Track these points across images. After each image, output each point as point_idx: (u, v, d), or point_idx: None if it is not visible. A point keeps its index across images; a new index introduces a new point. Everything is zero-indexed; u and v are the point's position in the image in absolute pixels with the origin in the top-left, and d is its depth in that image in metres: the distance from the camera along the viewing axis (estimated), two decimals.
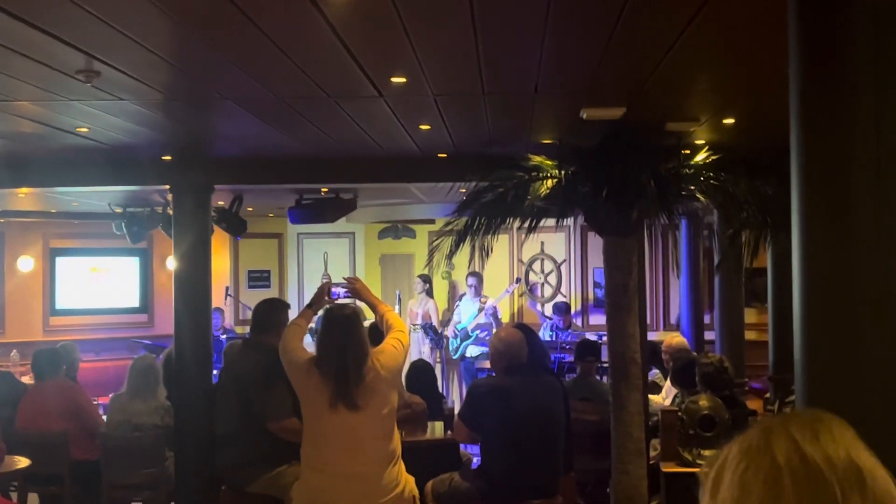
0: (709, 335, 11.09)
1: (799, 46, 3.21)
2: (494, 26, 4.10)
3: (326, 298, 5.73)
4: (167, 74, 4.93)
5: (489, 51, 4.51)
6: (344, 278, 6.00)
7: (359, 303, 6.07)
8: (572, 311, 13.24)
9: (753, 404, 8.23)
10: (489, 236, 6.91)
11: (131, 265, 14.13)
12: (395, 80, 5.05)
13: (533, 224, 6.99)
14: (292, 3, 3.65)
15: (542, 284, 13.87)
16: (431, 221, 13.71)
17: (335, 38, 4.16)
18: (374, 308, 5.66)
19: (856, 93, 3.03)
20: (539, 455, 5.85)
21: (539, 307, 13.71)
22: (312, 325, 6.38)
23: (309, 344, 5.62)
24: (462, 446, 7.16)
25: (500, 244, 12.90)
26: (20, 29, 3.97)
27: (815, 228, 3.07)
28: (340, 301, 6.01)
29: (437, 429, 7.21)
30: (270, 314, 6.45)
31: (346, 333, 5.08)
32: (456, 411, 8.15)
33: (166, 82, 5.14)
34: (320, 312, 5.58)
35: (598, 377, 8.49)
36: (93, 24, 3.90)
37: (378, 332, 5.62)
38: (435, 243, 7.17)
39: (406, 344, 5.39)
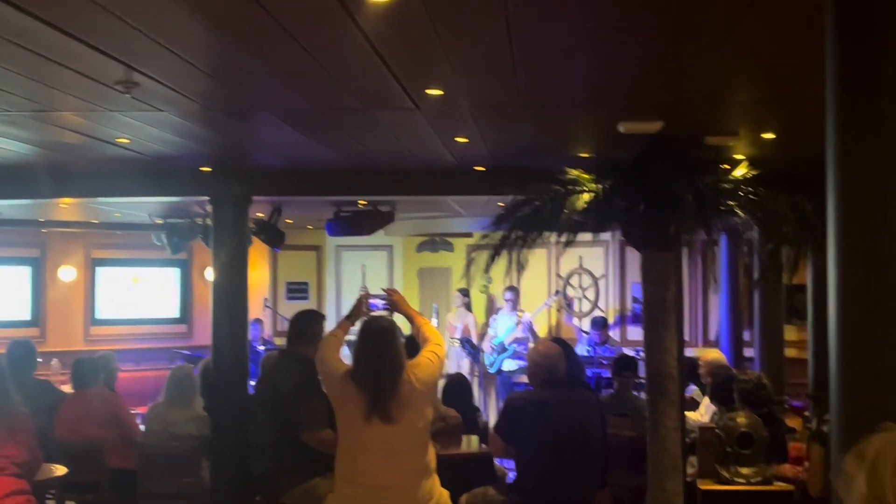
0: (748, 352, 10.98)
1: (836, 62, 3.17)
2: (530, 38, 4.10)
3: (364, 310, 5.73)
4: (205, 85, 4.96)
5: (525, 63, 4.50)
6: (383, 290, 5.98)
7: (396, 316, 6.05)
8: (610, 325, 13.16)
9: (793, 422, 8.12)
10: (525, 250, 6.88)
11: (172, 276, 14.25)
12: (431, 92, 5.06)
13: (570, 238, 6.97)
14: (328, 14, 3.65)
15: (580, 299, 13.79)
16: (469, 235, 13.69)
17: (371, 49, 4.17)
18: (411, 320, 5.64)
19: (892, 108, 2.99)
20: (575, 469, 5.82)
21: (576, 322, 13.64)
22: (350, 336, 6.38)
23: (347, 356, 5.62)
24: (497, 460, 7.13)
25: (538, 258, 12.88)
26: (60, 39, 4.01)
27: (850, 243, 3.02)
28: (378, 313, 6.00)
29: (471, 442, 7.18)
30: (307, 325, 6.46)
31: (383, 345, 5.07)
32: (491, 425, 8.13)
33: (204, 93, 5.17)
34: (358, 324, 5.58)
35: (635, 392, 8.43)
36: (131, 35, 3.94)
37: (415, 345, 5.60)
38: (471, 255, 7.16)
39: (442, 357, 5.36)
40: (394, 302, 5.75)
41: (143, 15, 3.75)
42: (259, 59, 4.45)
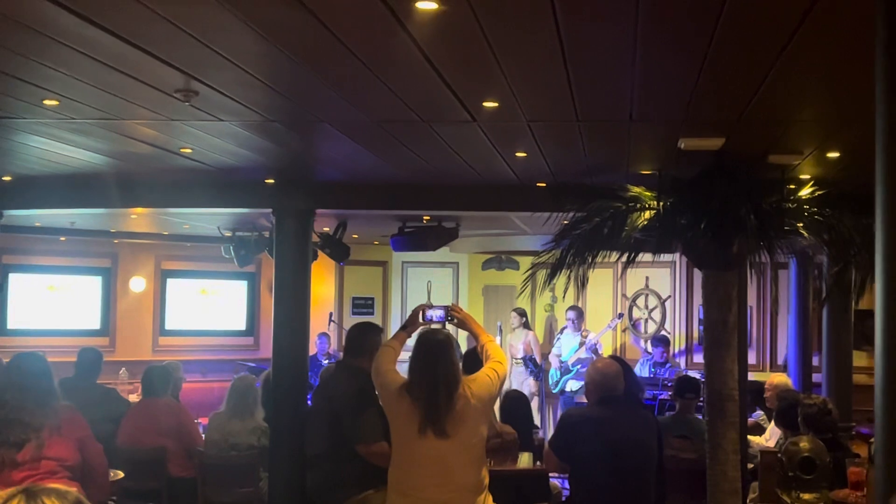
0: (817, 377, 10.79)
1: (885, 73, 3.10)
2: (582, 50, 4.07)
3: (420, 320, 5.71)
4: (263, 95, 5.01)
5: (579, 75, 4.47)
6: (450, 305, 5.94)
7: (459, 331, 6.01)
8: (676, 348, 13.01)
9: (859, 449, 7.95)
10: (584, 268, 6.84)
11: (240, 288, 14.42)
12: (487, 104, 5.05)
13: (632, 257, 6.91)
14: (379, 22, 3.67)
15: (646, 320, 13.67)
16: (536, 253, 13.63)
17: (424, 60, 4.18)
18: (476, 337, 5.60)
19: None
20: (630, 489, 5.74)
21: (642, 343, 13.52)
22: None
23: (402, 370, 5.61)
24: (552, 478, 7.07)
25: (605, 278, 12.81)
26: (121, 48, 4.07)
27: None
28: (434, 325, 5.98)
29: (526, 459, 7.13)
30: (363, 337, 6.47)
31: (439, 358, 5.04)
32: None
33: (263, 103, 5.22)
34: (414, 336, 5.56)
35: (697, 415, 8.31)
36: (188, 43, 3.99)
37: (473, 360, 5.58)
38: (527, 273, 7.13)
39: (502, 375, 5.30)
40: (461, 319, 5.70)
41: (198, 23, 3.79)
42: (313, 68, 4.48)
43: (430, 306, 5.81)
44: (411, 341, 5.44)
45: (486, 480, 5.17)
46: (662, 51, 4.14)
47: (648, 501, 5.88)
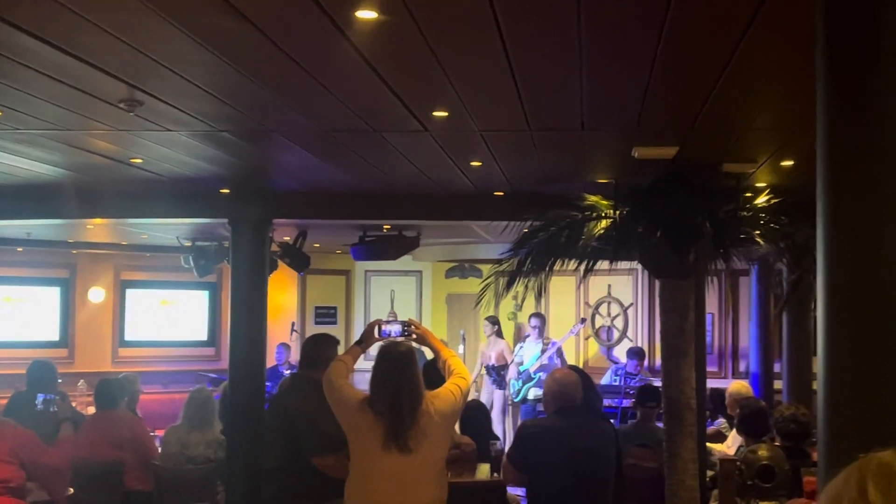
0: (779, 384, 10.81)
1: (826, 84, 3.09)
2: (528, 58, 4.04)
3: (376, 336, 5.61)
4: (209, 105, 4.94)
5: (527, 84, 4.44)
6: (408, 320, 5.83)
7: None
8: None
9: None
10: (542, 277, 6.81)
11: (201, 298, 14.30)
12: (436, 114, 5.01)
13: (590, 265, 6.88)
14: (319, 30, 3.62)
15: (609, 328, 13.66)
16: (499, 261, 13.61)
17: (368, 68, 4.13)
18: (436, 353, 5.49)
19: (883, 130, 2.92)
20: (588, 498, 5.72)
21: (606, 350, 13.51)
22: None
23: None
24: (510, 489, 7.02)
25: (567, 286, 12.78)
26: (61, 59, 4.01)
27: (839, 271, 2.94)
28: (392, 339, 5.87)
29: (484, 471, 7.08)
30: (319, 349, 6.40)
31: (402, 372, 4.94)
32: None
33: (210, 113, 5.16)
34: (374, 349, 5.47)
35: (658, 424, 8.30)
36: (127, 53, 3.92)
37: (432, 372, 5.50)
38: (485, 281, 7.09)
39: (465, 390, 5.22)
40: (420, 335, 5.60)
41: (135, 32, 3.73)
42: (257, 77, 4.42)
43: (387, 321, 5.71)
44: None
45: (446, 496, 5.11)
46: (609, 57, 4.11)
47: None
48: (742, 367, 12.75)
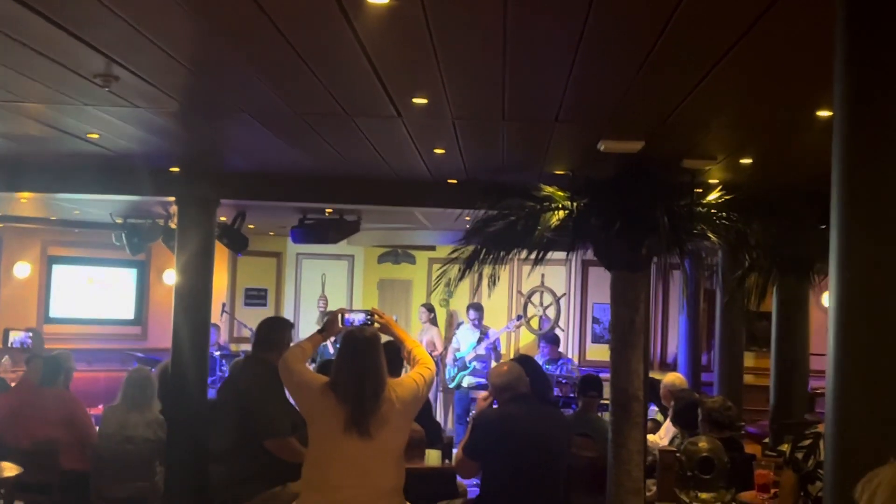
0: (706, 376, 11.02)
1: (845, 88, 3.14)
2: (524, 46, 4.05)
3: (339, 326, 5.58)
4: (186, 82, 4.87)
5: (515, 76, 4.46)
6: (371, 309, 5.80)
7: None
8: (570, 344, 13.15)
9: (751, 448, 8.15)
10: (495, 266, 6.84)
11: (128, 277, 14.02)
12: (416, 100, 5.01)
13: (541, 256, 6.91)
14: (324, 14, 3.59)
15: (541, 317, 13.77)
16: (432, 248, 13.66)
17: (362, 54, 4.11)
18: (400, 343, 5.49)
19: None
20: (538, 485, 5.77)
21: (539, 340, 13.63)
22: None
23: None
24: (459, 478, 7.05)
25: (501, 275, 12.83)
26: (40, 25, 3.89)
27: (854, 272, 2.98)
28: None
29: (434, 457, 7.10)
30: (273, 332, 6.37)
31: (366, 357, 4.93)
32: (455, 441, 8.05)
33: (184, 90, 5.08)
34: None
35: (598, 413, 8.39)
36: (115, 24, 3.82)
37: (393, 355, 5.48)
38: (439, 270, 7.08)
39: (429, 379, 5.21)
40: (383, 325, 5.57)
41: (128, 2, 3.64)
42: (247, 57, 4.38)
43: (350, 310, 5.69)
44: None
45: (402, 484, 5.12)
46: (606, 50, 4.12)
47: (559, 496, 5.92)
48: (669, 358, 12.98)
